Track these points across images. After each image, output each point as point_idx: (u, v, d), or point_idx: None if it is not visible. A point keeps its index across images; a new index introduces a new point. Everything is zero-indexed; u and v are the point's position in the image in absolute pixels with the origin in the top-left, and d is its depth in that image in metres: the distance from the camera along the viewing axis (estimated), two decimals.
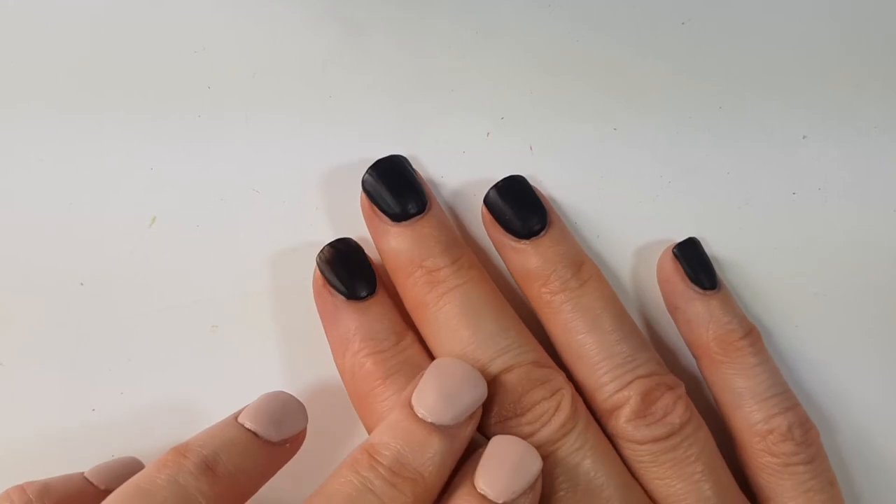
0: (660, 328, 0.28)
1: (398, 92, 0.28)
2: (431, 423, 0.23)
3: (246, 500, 0.24)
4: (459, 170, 0.28)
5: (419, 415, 0.23)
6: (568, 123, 0.28)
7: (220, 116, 0.28)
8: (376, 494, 0.22)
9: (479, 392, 0.23)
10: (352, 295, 0.26)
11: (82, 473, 0.25)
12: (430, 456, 0.22)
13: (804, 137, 0.28)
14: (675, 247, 0.27)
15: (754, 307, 0.28)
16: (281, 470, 0.25)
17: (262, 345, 0.28)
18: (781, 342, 0.28)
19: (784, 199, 0.28)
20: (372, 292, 0.26)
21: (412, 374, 0.25)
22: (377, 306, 0.26)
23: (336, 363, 0.26)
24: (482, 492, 0.22)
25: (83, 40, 0.28)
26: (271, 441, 0.24)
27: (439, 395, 0.23)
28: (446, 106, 0.28)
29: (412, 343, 0.26)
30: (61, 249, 0.28)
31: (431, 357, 0.26)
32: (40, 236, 0.28)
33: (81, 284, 0.28)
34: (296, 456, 0.25)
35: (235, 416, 0.24)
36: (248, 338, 0.28)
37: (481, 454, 0.23)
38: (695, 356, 0.27)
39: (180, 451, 0.23)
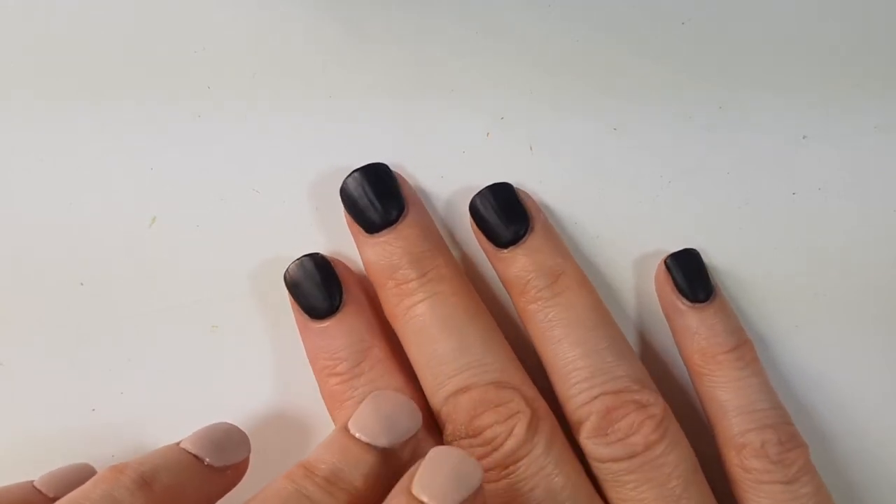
0: (657, 333, 0.28)
1: (398, 92, 0.28)
2: (367, 443, 0.23)
3: None
4: (459, 170, 0.28)
5: (356, 436, 0.23)
6: (568, 123, 0.28)
7: (220, 116, 0.28)
8: (312, 500, 0.21)
9: (414, 421, 0.23)
10: (316, 314, 0.26)
11: (31, 482, 0.25)
12: (366, 471, 0.22)
13: (804, 137, 0.28)
14: (668, 257, 0.27)
15: (753, 308, 0.28)
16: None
17: (263, 345, 0.28)
18: (781, 343, 0.28)
19: (784, 199, 0.28)
20: (335, 310, 0.26)
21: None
22: (341, 324, 0.26)
23: None
24: (419, 497, 0.20)
25: (84, 40, 0.28)
26: (213, 466, 0.24)
27: (375, 419, 0.23)
28: (446, 106, 0.28)
29: (375, 363, 0.26)
30: (61, 249, 0.28)
31: (398, 370, 0.26)
32: (40, 236, 0.28)
33: (81, 284, 0.28)
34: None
35: (177, 444, 0.24)
36: (249, 338, 0.28)
37: (419, 464, 0.21)
38: (685, 365, 0.27)
39: (118, 468, 0.22)
